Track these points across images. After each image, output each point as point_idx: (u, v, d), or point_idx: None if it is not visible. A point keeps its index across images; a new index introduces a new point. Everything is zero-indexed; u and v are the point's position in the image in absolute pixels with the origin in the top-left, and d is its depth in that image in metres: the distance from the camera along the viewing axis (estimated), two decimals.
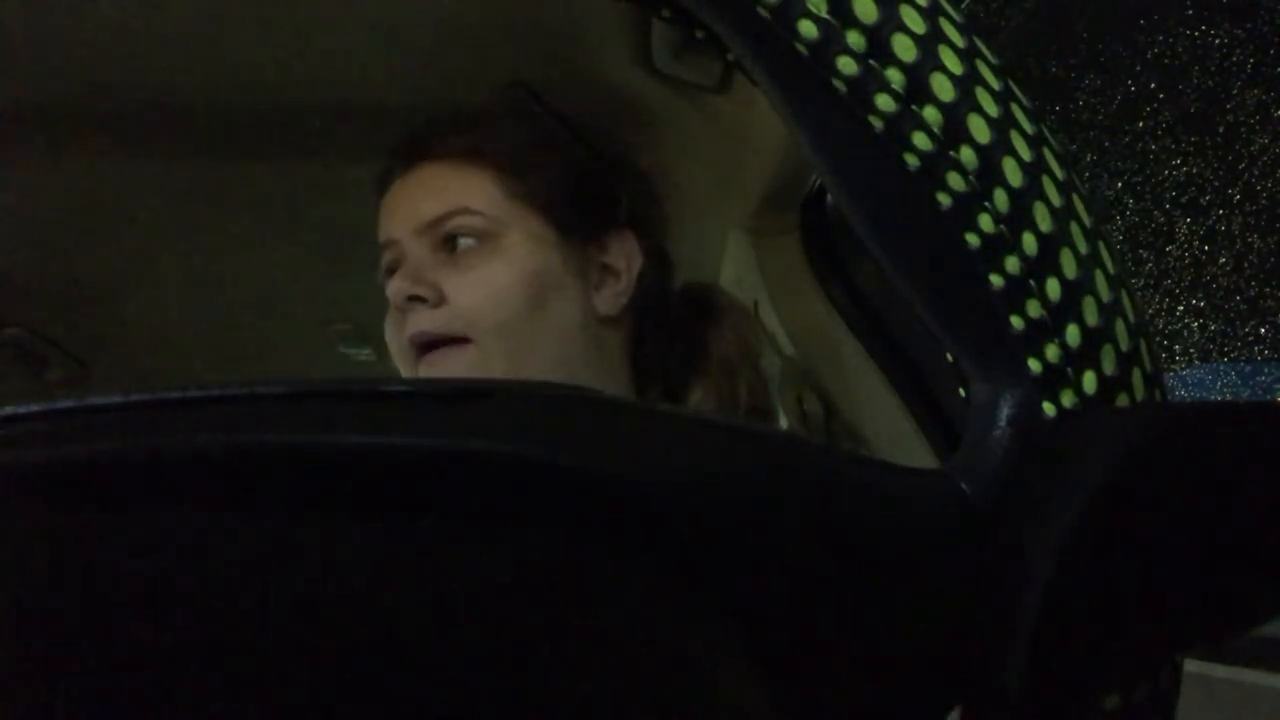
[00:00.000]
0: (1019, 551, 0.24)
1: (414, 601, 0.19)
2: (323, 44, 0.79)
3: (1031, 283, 0.25)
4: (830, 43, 0.24)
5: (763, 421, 0.73)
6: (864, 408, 0.97)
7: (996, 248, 0.25)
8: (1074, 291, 0.25)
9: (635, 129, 0.87)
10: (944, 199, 0.25)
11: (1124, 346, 0.26)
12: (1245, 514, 0.25)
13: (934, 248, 0.25)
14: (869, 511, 0.23)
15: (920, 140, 0.25)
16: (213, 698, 0.18)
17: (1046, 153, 0.26)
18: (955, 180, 0.25)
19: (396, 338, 0.65)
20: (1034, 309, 0.25)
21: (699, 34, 0.29)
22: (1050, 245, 0.25)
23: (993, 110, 0.25)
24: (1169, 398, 0.28)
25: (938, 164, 0.25)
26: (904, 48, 0.24)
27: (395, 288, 0.63)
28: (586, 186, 0.68)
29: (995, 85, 0.25)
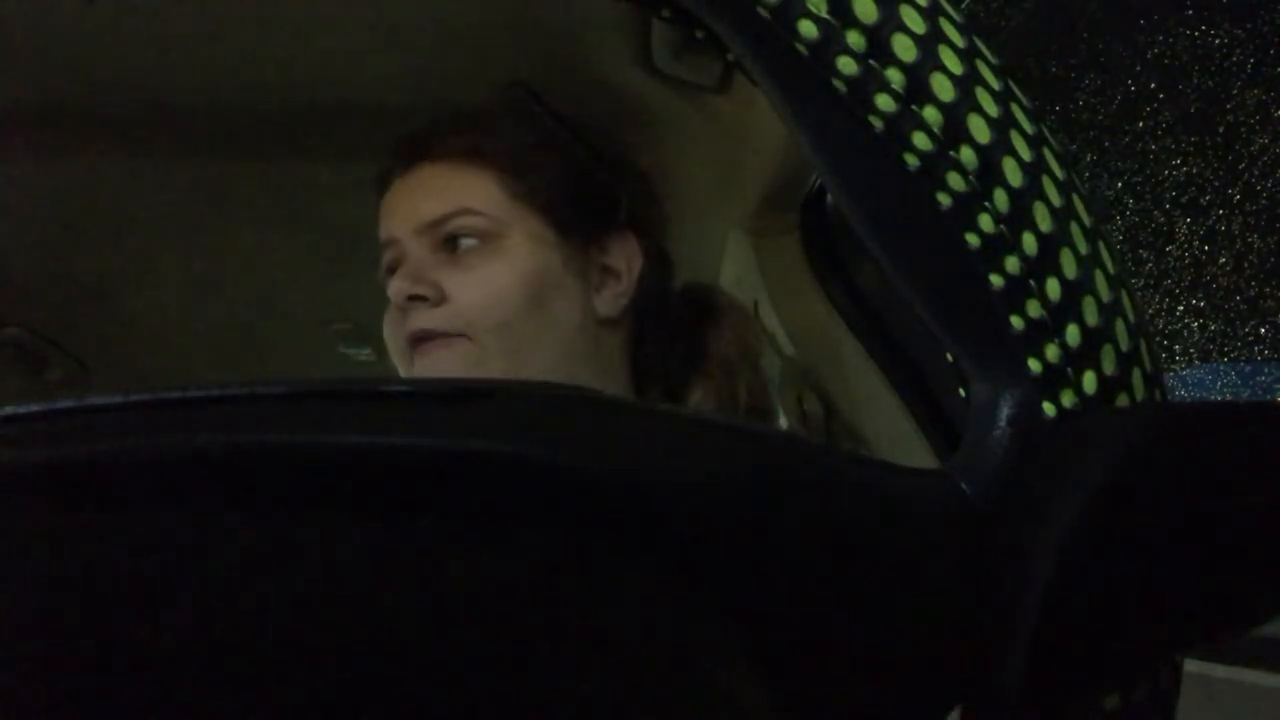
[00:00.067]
0: (1019, 551, 0.24)
1: (414, 601, 0.19)
2: (323, 44, 0.79)
3: (1031, 283, 0.25)
4: (830, 43, 0.24)
5: (763, 421, 0.73)
6: (864, 408, 0.97)
7: (996, 248, 0.25)
8: (1074, 291, 0.25)
9: (635, 129, 0.87)
10: (944, 199, 0.25)
11: (1124, 346, 0.26)
12: (1245, 514, 0.25)
13: (934, 248, 0.25)
14: (869, 511, 0.23)
15: (920, 140, 0.25)
16: (213, 698, 0.18)
17: (1046, 153, 0.26)
18: (955, 180, 0.25)
19: (395, 336, 0.65)
20: (1034, 309, 0.25)
21: (699, 34, 0.29)
22: (1050, 245, 0.25)
23: (993, 110, 0.25)
24: (1169, 398, 0.28)
25: (938, 164, 0.25)
26: (904, 48, 0.24)
27: (396, 287, 0.63)
28: (587, 187, 0.68)
29: (995, 85, 0.25)
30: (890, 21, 0.24)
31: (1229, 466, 0.25)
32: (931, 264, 0.26)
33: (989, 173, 0.25)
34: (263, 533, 0.18)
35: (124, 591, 0.18)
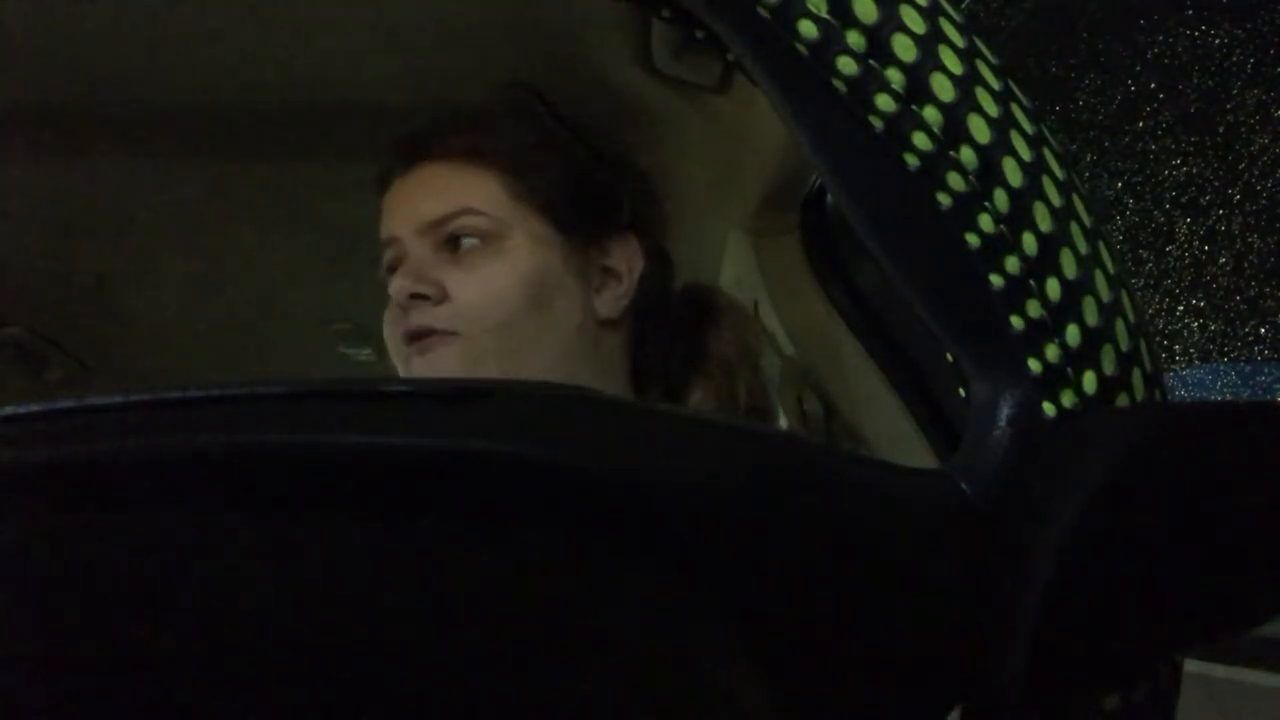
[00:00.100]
0: (1019, 551, 0.24)
1: (414, 601, 0.19)
2: (323, 44, 0.79)
3: (1031, 283, 0.25)
4: (830, 43, 0.24)
5: (762, 422, 0.73)
6: (864, 408, 0.97)
7: (996, 248, 0.25)
8: (1074, 291, 0.25)
9: (635, 129, 0.87)
10: (944, 199, 0.25)
11: (1124, 346, 0.26)
12: (1245, 514, 0.25)
13: (934, 248, 0.25)
14: (869, 511, 0.23)
15: (920, 140, 0.25)
16: (213, 698, 0.18)
17: (1046, 153, 0.26)
18: (955, 180, 0.25)
19: (395, 335, 0.65)
20: (1034, 309, 0.25)
21: (699, 34, 0.29)
22: (1050, 245, 0.25)
23: (993, 110, 0.25)
24: (1169, 398, 0.28)
25: (938, 164, 0.25)
26: (904, 48, 0.24)
27: (398, 285, 0.63)
28: (588, 188, 0.68)
29: (995, 85, 0.25)
30: (890, 21, 0.24)
31: (1229, 466, 0.25)
32: (931, 264, 0.26)
33: (989, 173, 0.25)
34: (263, 533, 0.18)
35: (124, 591, 0.18)
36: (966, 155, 0.25)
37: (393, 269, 0.67)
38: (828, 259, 1.00)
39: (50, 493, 0.17)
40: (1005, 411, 0.26)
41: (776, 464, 0.22)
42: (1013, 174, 0.25)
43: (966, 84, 0.25)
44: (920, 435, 0.91)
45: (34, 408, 0.17)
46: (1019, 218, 0.25)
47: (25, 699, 0.18)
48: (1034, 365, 0.25)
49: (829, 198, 0.96)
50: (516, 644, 0.20)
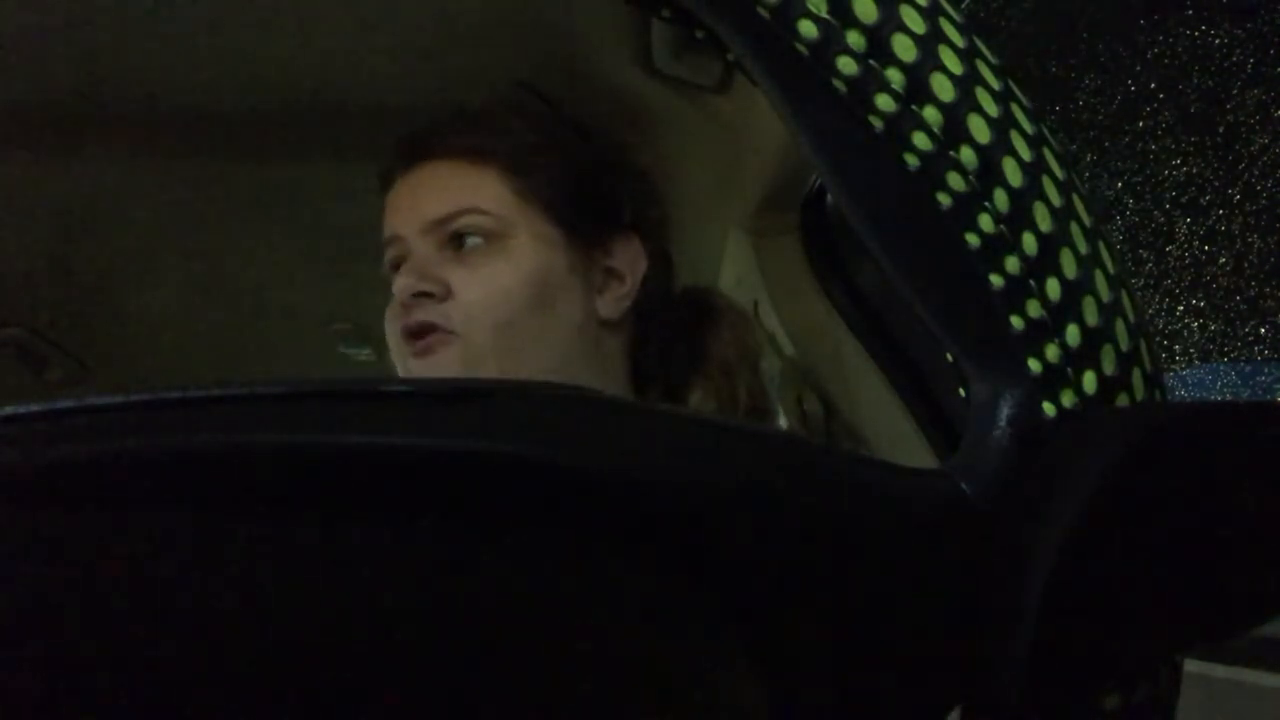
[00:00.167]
0: (1019, 551, 0.24)
1: (413, 601, 0.19)
2: (323, 44, 0.79)
3: (1031, 283, 0.25)
4: (830, 43, 0.24)
5: (762, 422, 0.73)
6: (864, 408, 0.97)
7: (996, 248, 0.25)
8: (1074, 291, 0.25)
9: (635, 129, 0.87)
10: (944, 199, 0.25)
11: (1124, 346, 0.26)
12: (1245, 514, 0.25)
13: (934, 248, 0.25)
14: (869, 511, 0.23)
15: (920, 140, 0.25)
16: (213, 698, 0.18)
17: (1046, 153, 0.26)
18: (955, 180, 0.25)
19: (397, 331, 0.65)
20: (1034, 309, 0.25)
21: (699, 34, 0.29)
22: (1050, 245, 0.25)
23: (993, 110, 0.25)
24: (1169, 398, 0.28)
25: (938, 164, 0.25)
26: (904, 48, 0.24)
27: (402, 283, 0.63)
28: (592, 189, 0.68)
29: (995, 85, 0.25)
30: (890, 21, 0.24)
31: (1229, 466, 0.25)
32: (931, 264, 0.26)
33: (989, 173, 0.25)
34: (263, 533, 0.18)
35: (124, 592, 0.18)
36: (966, 155, 0.25)
37: (395, 267, 0.67)
38: (828, 259, 1.00)
39: (50, 493, 0.17)
40: (1005, 411, 0.26)
41: (776, 464, 0.22)
42: (1013, 174, 0.25)
43: (966, 84, 0.25)
44: (920, 435, 0.91)
45: (34, 408, 0.17)
46: (1019, 218, 0.25)
47: (25, 699, 0.18)
48: (1034, 365, 0.25)
49: (829, 198, 0.96)
50: (516, 644, 0.20)
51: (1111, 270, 0.26)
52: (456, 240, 0.65)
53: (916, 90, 0.24)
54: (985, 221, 0.25)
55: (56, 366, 1.21)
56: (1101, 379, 0.26)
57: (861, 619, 0.23)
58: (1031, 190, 0.25)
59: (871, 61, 0.24)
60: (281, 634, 0.18)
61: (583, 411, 0.21)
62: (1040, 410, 0.25)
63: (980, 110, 0.25)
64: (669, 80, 0.84)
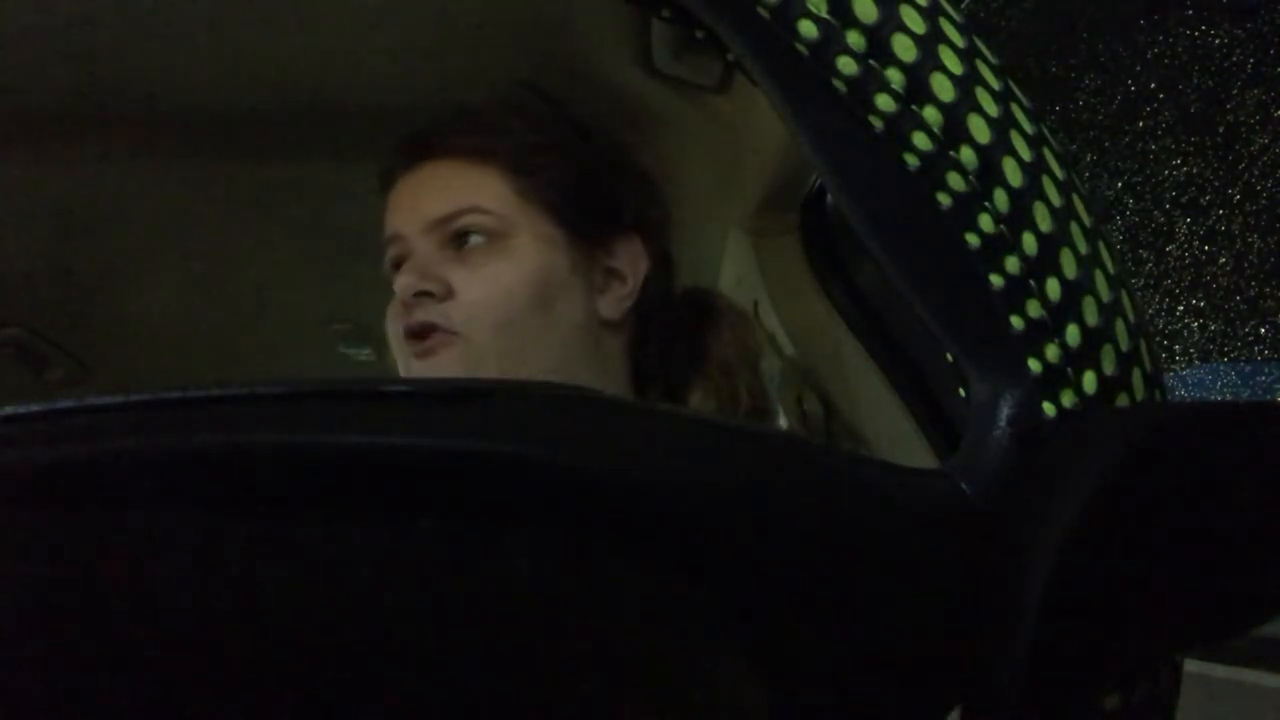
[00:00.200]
0: (1019, 551, 0.24)
1: (413, 601, 0.19)
2: (323, 44, 0.79)
3: (1031, 283, 0.25)
4: (830, 43, 0.24)
5: (762, 422, 0.73)
6: (864, 408, 0.97)
7: (996, 248, 0.25)
8: (1074, 291, 0.25)
9: (635, 129, 0.87)
10: (944, 199, 0.25)
11: (1124, 346, 0.26)
12: (1245, 514, 0.25)
13: (934, 248, 0.25)
14: (869, 511, 0.23)
15: (920, 140, 0.25)
16: (213, 698, 0.18)
17: (1046, 153, 0.26)
18: (955, 180, 0.25)
19: (398, 331, 0.65)
20: (1034, 309, 0.25)
21: (699, 34, 0.29)
22: (1050, 245, 0.25)
23: (993, 110, 0.25)
24: (1169, 398, 0.28)
25: (938, 164, 0.25)
26: (904, 48, 0.24)
27: (403, 282, 0.63)
28: (594, 189, 0.68)
29: (995, 85, 0.25)
30: (890, 21, 0.24)
31: (1229, 466, 0.25)
32: (931, 264, 0.26)
33: (989, 173, 0.25)
34: (262, 533, 0.18)
35: (124, 592, 0.18)
36: (966, 155, 0.25)
37: (396, 266, 0.67)
38: (828, 259, 1.00)
39: (50, 493, 0.17)
40: (1005, 411, 0.26)
41: (776, 464, 0.22)
42: (1013, 174, 0.25)
43: (966, 84, 0.25)
44: (920, 435, 0.91)
45: (34, 408, 0.17)
46: (1019, 218, 0.25)
47: (25, 699, 0.18)
48: (1034, 365, 0.25)
49: (829, 198, 0.96)
50: (516, 644, 0.20)
51: (1111, 270, 0.26)
52: (458, 239, 0.65)
53: (916, 90, 0.24)
54: (985, 221, 0.25)
55: (56, 366, 1.21)
56: (1101, 379, 0.26)
57: (861, 619, 0.23)
58: (1031, 190, 0.25)
59: (871, 61, 0.24)
60: (281, 634, 0.18)
61: (583, 411, 0.21)
62: (1040, 410, 0.25)
63: (980, 110, 0.25)
64: (669, 80, 0.84)
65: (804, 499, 0.22)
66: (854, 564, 0.23)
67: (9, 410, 0.18)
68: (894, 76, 0.24)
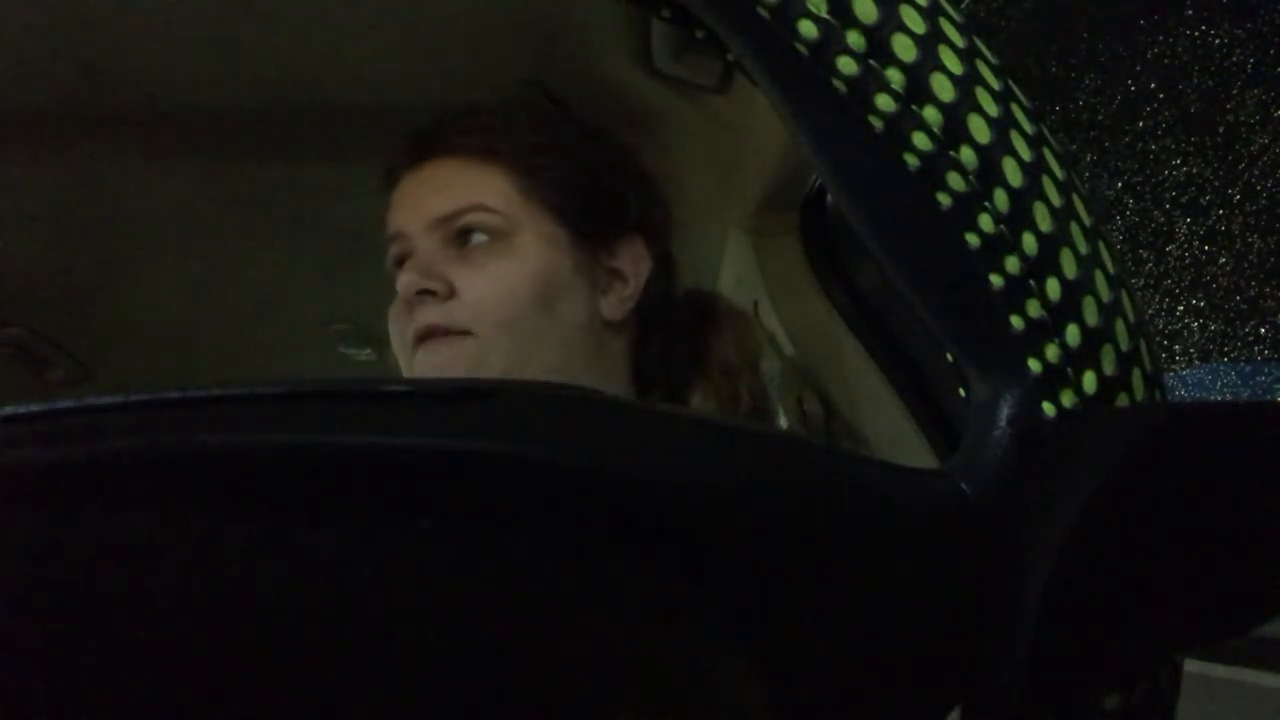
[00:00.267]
0: (1019, 551, 0.24)
1: (414, 601, 0.19)
2: (323, 44, 0.79)
3: (1031, 283, 0.25)
4: (830, 43, 0.24)
5: (763, 423, 0.73)
6: (864, 408, 0.97)
7: (996, 248, 0.25)
8: (1074, 291, 0.25)
9: (635, 129, 0.87)
10: (944, 199, 0.25)
11: (1124, 346, 0.26)
12: (1245, 514, 0.25)
13: (934, 248, 0.25)
14: (869, 511, 0.23)
15: (920, 140, 0.25)
16: (213, 698, 0.18)
17: (1046, 153, 0.26)
18: (955, 180, 0.25)
19: (401, 331, 0.65)
20: (1034, 309, 0.25)
21: (699, 34, 0.29)
22: (1050, 245, 0.25)
23: (993, 110, 0.25)
24: (1169, 398, 0.28)
25: (938, 164, 0.25)
26: (904, 48, 0.24)
27: (406, 280, 0.63)
28: (598, 189, 0.68)
29: (995, 85, 0.25)
30: (890, 21, 0.24)
31: (1229, 466, 0.25)
32: (931, 264, 0.26)
33: (989, 173, 0.25)
34: (262, 533, 0.18)
35: (124, 592, 0.18)
36: (966, 155, 0.25)
37: (399, 264, 0.67)
38: (828, 259, 1.00)
39: (50, 493, 0.17)
40: (1005, 411, 0.26)
41: (776, 464, 0.22)
42: (1013, 174, 0.25)
43: (966, 84, 0.25)
44: (920, 435, 0.91)
45: (34, 408, 0.17)
46: (1019, 218, 0.25)
47: (25, 698, 0.18)
48: (1034, 365, 0.25)
49: (829, 198, 0.96)
50: (516, 644, 0.20)
51: (1111, 270, 0.26)
52: (461, 237, 0.65)
53: (916, 90, 0.24)
54: (985, 221, 0.25)
55: (56, 366, 1.21)
56: (1101, 379, 0.26)
57: (861, 619, 0.23)
58: (1031, 190, 0.25)
59: (871, 61, 0.24)
60: (281, 634, 0.18)
61: (583, 412, 0.21)
62: (1040, 410, 0.25)
63: (980, 110, 0.25)
64: (669, 80, 0.84)
65: (804, 499, 0.22)
66: (854, 564, 0.23)
67: (9, 410, 0.18)
68: (894, 76, 0.24)
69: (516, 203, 0.65)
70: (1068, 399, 0.26)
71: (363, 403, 0.19)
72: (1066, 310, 0.25)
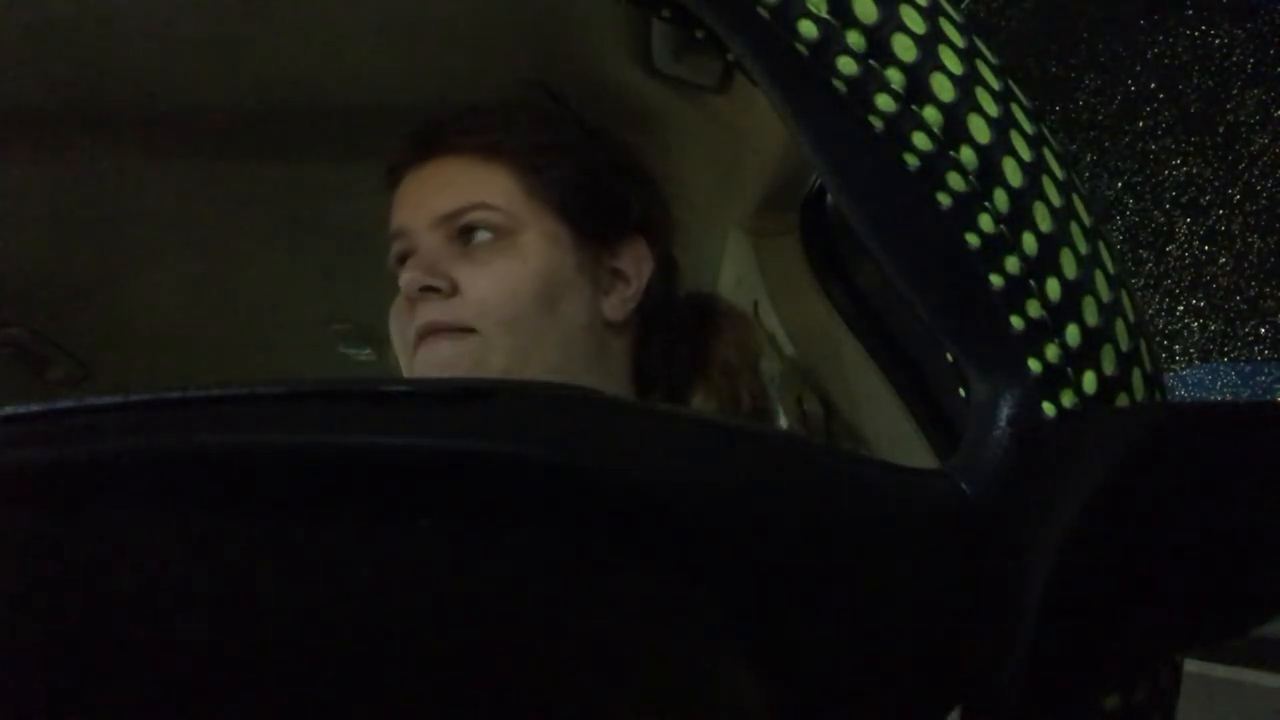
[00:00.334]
0: (1019, 551, 0.24)
1: (414, 601, 0.19)
2: (324, 44, 0.79)
3: (1031, 283, 0.25)
4: (830, 43, 0.24)
5: (763, 423, 0.73)
6: (864, 408, 0.97)
7: (996, 248, 0.25)
8: (1074, 291, 0.25)
9: (636, 129, 0.87)
10: (944, 199, 0.25)
11: (1124, 346, 0.26)
12: (1245, 514, 0.25)
13: (934, 248, 0.25)
14: (869, 511, 0.23)
15: (920, 140, 0.25)
16: (212, 696, 0.18)
17: (1046, 153, 0.26)
18: (955, 180, 0.25)
19: (403, 329, 0.65)
20: (1034, 309, 0.25)
21: (699, 34, 0.29)
22: (1050, 245, 0.25)
23: (993, 110, 0.25)
24: (1169, 398, 0.28)
25: (938, 164, 0.25)
26: (904, 48, 0.24)
27: (408, 278, 0.63)
28: (602, 190, 0.68)
29: (995, 85, 0.25)
30: (890, 21, 0.24)
31: (1229, 466, 0.25)
32: (931, 264, 0.26)
33: (989, 173, 0.25)
34: (263, 533, 0.18)
35: (124, 591, 0.18)
36: (966, 155, 0.25)
37: (401, 261, 0.67)
38: (828, 259, 1.00)
39: (50, 493, 0.17)
40: (1005, 411, 0.26)
41: (776, 464, 0.22)
42: (1013, 174, 0.25)
43: (966, 84, 0.25)
44: (920, 435, 0.91)
45: (34, 408, 0.17)
46: (1019, 218, 0.25)
47: (25, 698, 0.18)
48: (1034, 365, 0.25)
49: (829, 198, 0.96)
50: (516, 644, 0.20)
51: (1111, 270, 0.26)
52: (465, 235, 0.65)
53: (916, 90, 0.24)
54: (985, 221, 0.25)
55: (56, 366, 1.21)
56: (1101, 379, 0.26)
57: (862, 619, 0.23)
58: (1031, 190, 0.25)
59: (871, 61, 0.24)
60: (281, 633, 0.18)
61: (583, 412, 0.21)
62: (1040, 410, 0.25)
63: (980, 110, 0.25)
64: (669, 80, 0.84)
65: (804, 499, 0.22)
66: (854, 564, 0.23)
67: (9, 410, 0.18)
68: (894, 76, 0.24)
69: (520, 201, 0.65)
70: (1068, 399, 0.26)
71: (363, 403, 0.19)
72: (1066, 310, 0.25)
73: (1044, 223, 0.25)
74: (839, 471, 0.23)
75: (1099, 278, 0.26)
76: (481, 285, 0.63)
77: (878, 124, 0.25)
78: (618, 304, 0.68)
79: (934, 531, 0.24)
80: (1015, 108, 0.25)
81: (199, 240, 1.05)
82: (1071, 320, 0.25)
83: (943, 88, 0.25)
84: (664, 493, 0.20)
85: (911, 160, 0.25)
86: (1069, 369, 0.25)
